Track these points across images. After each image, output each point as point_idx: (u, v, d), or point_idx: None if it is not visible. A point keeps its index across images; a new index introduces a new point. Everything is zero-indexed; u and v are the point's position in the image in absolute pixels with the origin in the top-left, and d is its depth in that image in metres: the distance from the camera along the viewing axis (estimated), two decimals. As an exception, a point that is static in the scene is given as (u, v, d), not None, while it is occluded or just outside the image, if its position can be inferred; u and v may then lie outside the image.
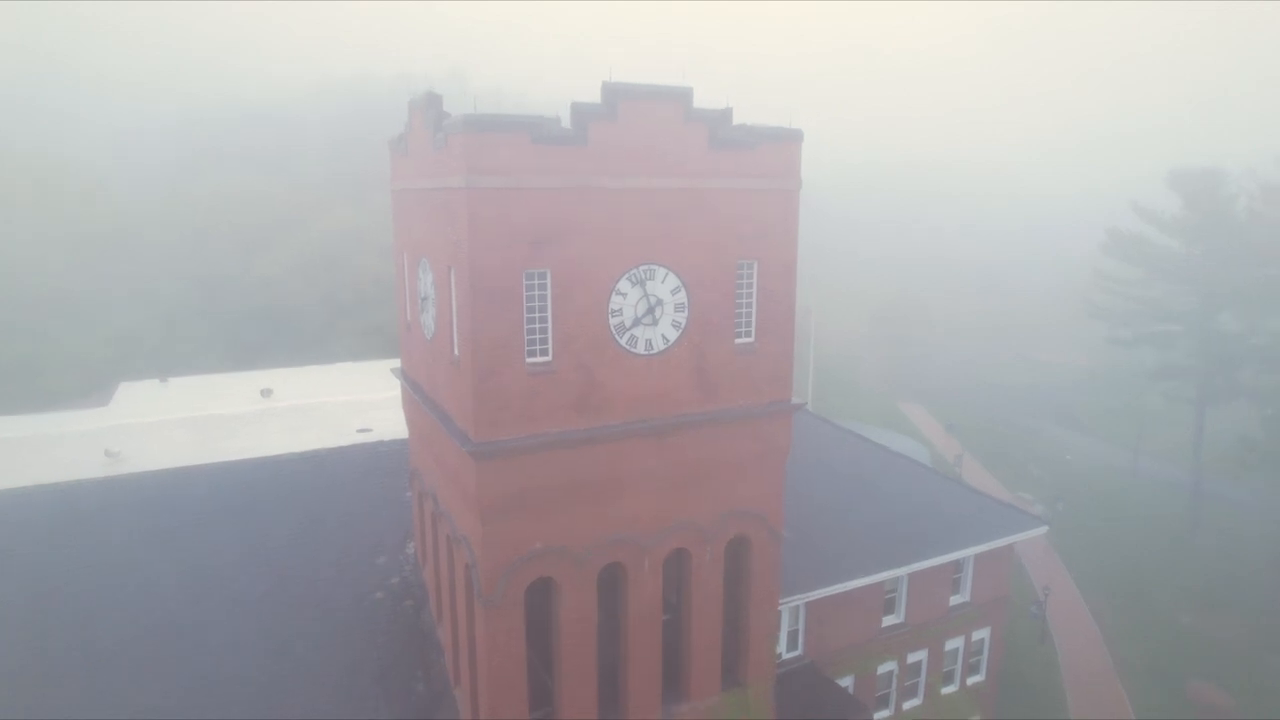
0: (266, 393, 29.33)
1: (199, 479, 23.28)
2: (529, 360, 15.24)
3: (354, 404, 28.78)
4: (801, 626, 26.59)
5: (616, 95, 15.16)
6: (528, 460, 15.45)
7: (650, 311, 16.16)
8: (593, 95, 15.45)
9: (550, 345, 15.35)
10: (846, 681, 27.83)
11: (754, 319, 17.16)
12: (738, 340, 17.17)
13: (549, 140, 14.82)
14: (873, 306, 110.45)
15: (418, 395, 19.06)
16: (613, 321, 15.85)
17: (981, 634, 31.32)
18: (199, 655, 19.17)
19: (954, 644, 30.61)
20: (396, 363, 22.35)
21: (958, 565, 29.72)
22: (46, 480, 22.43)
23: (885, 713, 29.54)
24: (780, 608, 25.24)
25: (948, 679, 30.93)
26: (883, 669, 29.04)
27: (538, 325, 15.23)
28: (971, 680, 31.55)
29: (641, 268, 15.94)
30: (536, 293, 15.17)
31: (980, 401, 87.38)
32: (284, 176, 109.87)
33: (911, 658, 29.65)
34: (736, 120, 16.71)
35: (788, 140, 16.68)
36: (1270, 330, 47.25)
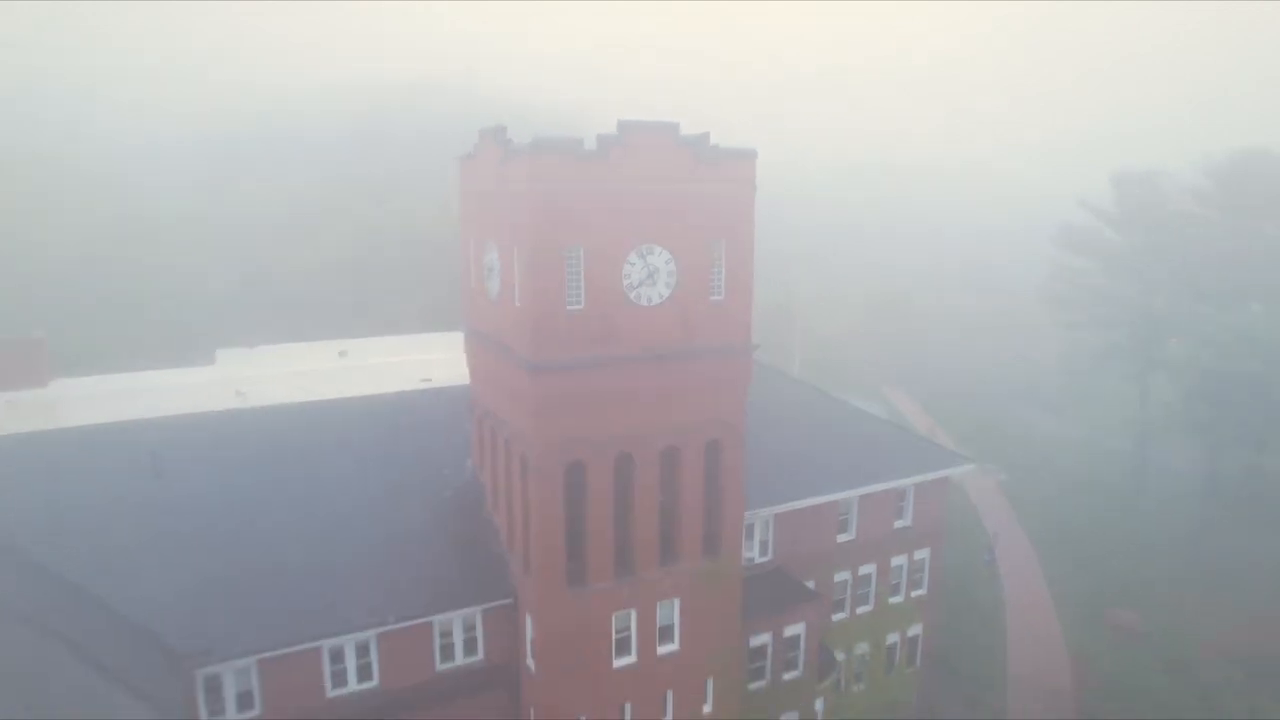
0: (343, 354, 36.78)
1: (307, 413, 30.83)
2: (569, 307, 22.73)
3: (414, 362, 36.23)
4: (771, 536, 33.97)
5: (626, 128, 22.68)
6: (566, 375, 22.96)
7: (650, 276, 23.65)
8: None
9: (583, 297, 22.84)
10: (809, 585, 35.22)
11: (723, 282, 24.65)
12: (712, 298, 24.66)
13: (582, 158, 22.32)
14: (873, 306, 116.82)
15: (482, 339, 26.61)
16: (625, 282, 23.33)
17: (922, 554, 38.68)
18: (323, 533, 26.72)
19: (899, 561, 38.00)
20: (439, 336, 29.74)
21: (901, 493, 37.13)
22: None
23: (842, 615, 36.85)
24: (753, 519, 32.74)
25: (894, 590, 38.27)
26: (839, 577, 36.40)
27: (574, 283, 22.72)
28: (915, 593, 38.87)
29: (644, 246, 23.43)
30: (573, 261, 22.66)
31: (967, 391, 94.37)
32: (303, 177, 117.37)
33: (863, 570, 37.01)
34: (716, 138, 24.23)
35: (746, 157, 24.18)
36: (1191, 313, 54.53)
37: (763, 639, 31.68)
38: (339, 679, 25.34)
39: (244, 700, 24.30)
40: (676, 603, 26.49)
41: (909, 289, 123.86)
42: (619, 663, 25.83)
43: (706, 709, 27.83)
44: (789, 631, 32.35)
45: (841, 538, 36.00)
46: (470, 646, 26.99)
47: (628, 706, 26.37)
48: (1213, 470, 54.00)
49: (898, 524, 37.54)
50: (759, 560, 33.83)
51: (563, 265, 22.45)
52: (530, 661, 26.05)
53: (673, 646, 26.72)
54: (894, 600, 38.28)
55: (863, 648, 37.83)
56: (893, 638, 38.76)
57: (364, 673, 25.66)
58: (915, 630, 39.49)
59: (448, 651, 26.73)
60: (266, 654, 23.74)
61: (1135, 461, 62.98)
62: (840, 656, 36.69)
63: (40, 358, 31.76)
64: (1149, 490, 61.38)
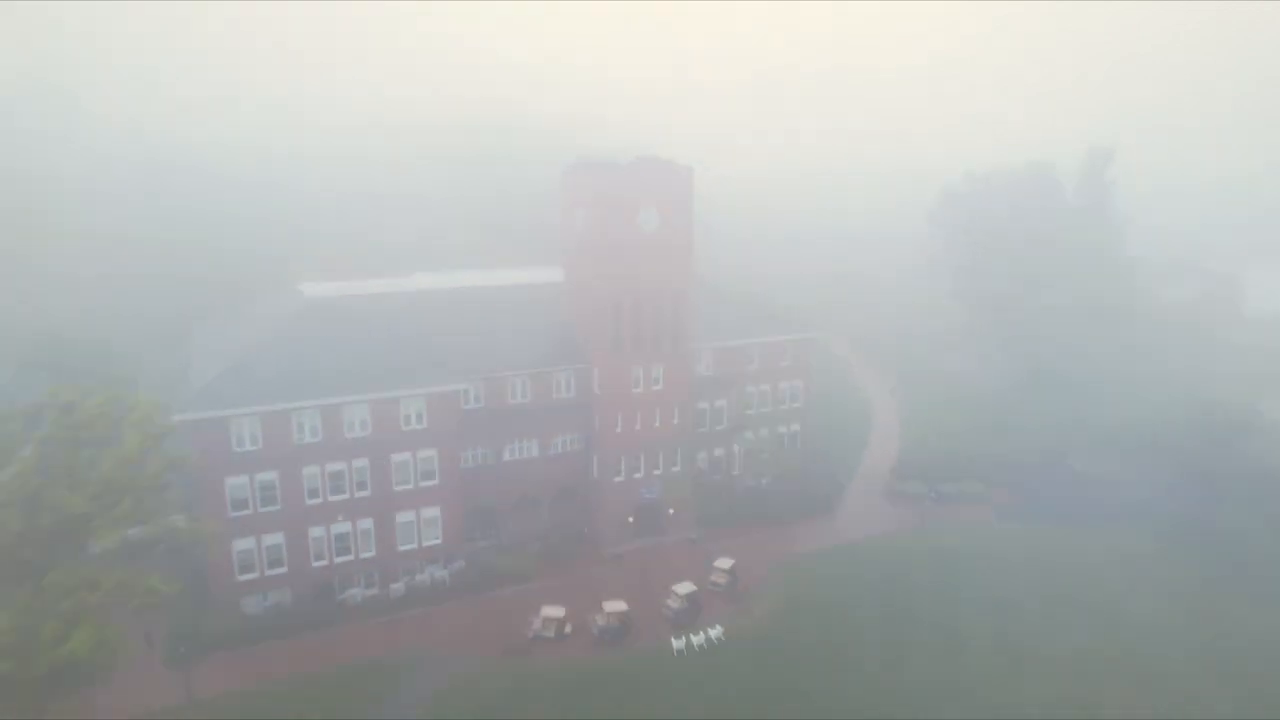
0: (485, 271, 72.23)
1: (482, 290, 66.50)
2: (613, 232, 58.41)
3: (521, 275, 71.94)
4: (713, 361, 69.35)
5: (639, 160, 58.50)
6: (614, 261, 58.59)
7: (647, 219, 59.32)
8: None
9: (619, 228, 58.52)
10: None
11: (677, 222, 60.33)
12: (673, 228, 60.34)
13: (619, 171, 58.10)
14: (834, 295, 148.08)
15: (574, 254, 62.49)
16: (636, 221, 59.04)
17: (798, 382, 74.12)
18: (503, 336, 62.48)
19: (783, 385, 73.43)
20: (533, 268, 65.76)
21: (783, 345, 72.48)
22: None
23: (751, 411, 72.10)
24: (701, 350, 68.19)
25: (781, 401, 73.65)
26: (749, 390, 71.76)
27: (615, 224, 58.39)
28: (794, 405, 74.23)
29: (644, 207, 59.13)
30: (616, 214, 58.32)
31: (895, 340, 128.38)
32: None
33: (763, 387, 72.36)
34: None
35: (686, 170, 59.83)
36: (992, 268, 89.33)
37: (703, 405, 67.40)
38: (513, 395, 61.14)
39: (475, 398, 60.04)
40: (662, 367, 62.04)
41: (882, 280, 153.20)
42: (634, 391, 61.42)
43: (675, 421, 63.32)
44: (718, 404, 68.05)
45: (750, 367, 71.51)
46: (568, 388, 62.73)
47: (638, 414, 61.86)
48: (1015, 368, 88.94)
49: (782, 363, 73.05)
50: (705, 374, 69.32)
51: (611, 214, 58.11)
52: (597, 390, 61.67)
53: (659, 387, 62.27)
54: (781, 407, 73.79)
55: (764, 432, 73.28)
56: (782, 429, 74.19)
57: (523, 394, 61.44)
58: (796, 428, 74.87)
59: (557, 389, 62.50)
60: (487, 375, 59.59)
61: (982, 370, 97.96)
62: (749, 435, 72.23)
63: (345, 263, 67.24)
64: (986, 384, 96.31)
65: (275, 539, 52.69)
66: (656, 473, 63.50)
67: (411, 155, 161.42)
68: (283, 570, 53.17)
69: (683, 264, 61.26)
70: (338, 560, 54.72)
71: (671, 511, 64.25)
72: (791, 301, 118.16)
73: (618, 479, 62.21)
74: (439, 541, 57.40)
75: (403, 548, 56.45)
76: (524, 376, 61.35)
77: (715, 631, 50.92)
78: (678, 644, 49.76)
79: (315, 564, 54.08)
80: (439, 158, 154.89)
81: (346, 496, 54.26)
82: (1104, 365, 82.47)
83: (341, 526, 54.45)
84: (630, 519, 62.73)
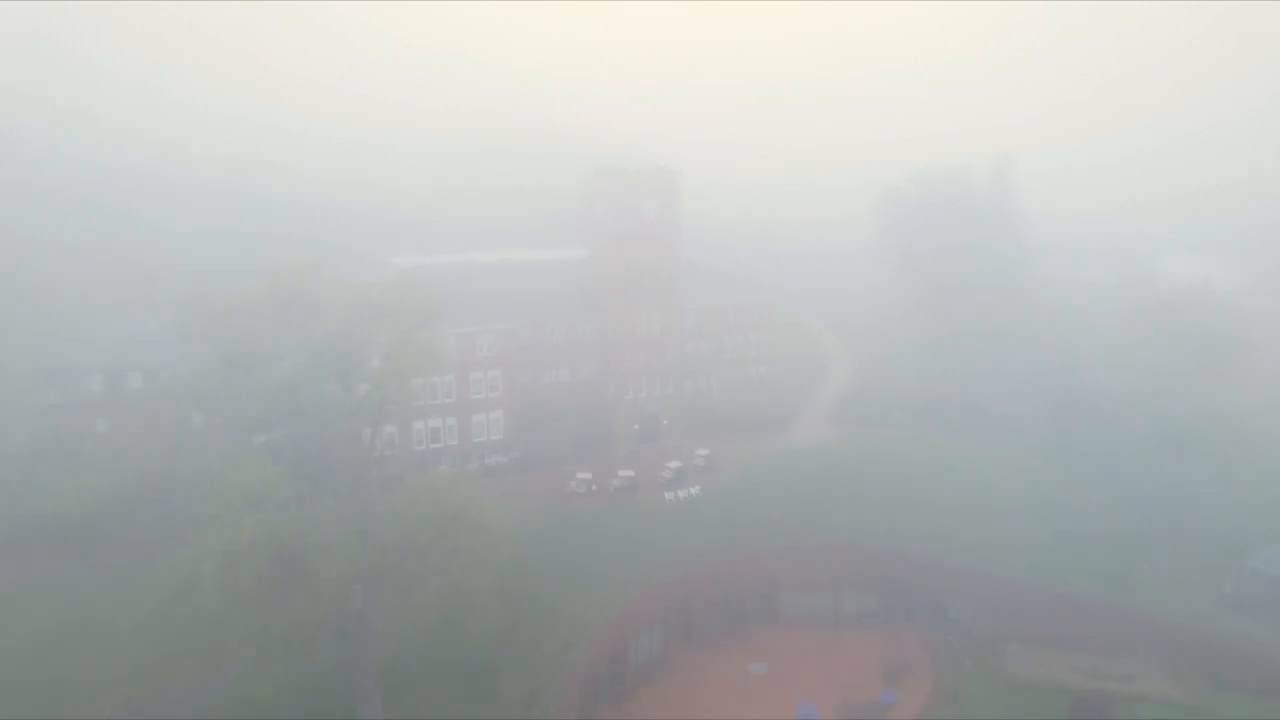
0: (523, 249, 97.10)
1: (516, 263, 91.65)
2: (622, 219, 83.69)
3: (555, 252, 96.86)
4: (696, 315, 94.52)
5: (642, 166, 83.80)
6: (622, 238, 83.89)
7: (648, 210, 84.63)
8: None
9: (627, 215, 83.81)
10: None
11: (670, 211, 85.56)
12: (666, 215, 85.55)
13: (625, 175, 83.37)
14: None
15: (593, 232, 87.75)
16: (640, 212, 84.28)
17: (763, 335, 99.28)
18: (521, 285, 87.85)
19: (751, 336, 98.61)
20: (556, 249, 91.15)
21: (749, 304, 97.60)
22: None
23: (726, 355, 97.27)
24: (688, 308, 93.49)
25: (751, 348, 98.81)
26: (725, 338, 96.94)
27: (623, 214, 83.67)
28: (759, 351, 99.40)
29: (646, 201, 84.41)
30: (624, 207, 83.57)
31: (861, 317, 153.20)
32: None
33: (736, 337, 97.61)
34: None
35: (675, 174, 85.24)
36: (926, 250, 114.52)
37: (690, 348, 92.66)
38: (551, 335, 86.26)
39: (525, 336, 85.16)
40: (658, 319, 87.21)
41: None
42: (637, 335, 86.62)
43: (667, 359, 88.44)
44: (701, 347, 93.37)
45: (726, 321, 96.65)
46: (589, 331, 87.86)
47: (640, 352, 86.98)
48: (942, 334, 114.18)
49: (751, 319, 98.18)
50: (691, 325, 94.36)
51: (620, 207, 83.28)
52: (610, 334, 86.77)
53: (655, 332, 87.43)
54: (750, 352, 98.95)
55: (736, 371, 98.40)
56: (750, 370, 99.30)
57: (558, 335, 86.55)
58: (762, 369, 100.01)
59: (582, 332, 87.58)
60: (533, 320, 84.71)
61: (919, 335, 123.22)
62: (725, 373, 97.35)
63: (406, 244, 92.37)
64: (920, 345, 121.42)
65: (390, 429, 77.68)
66: (655, 394, 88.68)
67: (420, 154, 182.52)
68: (395, 451, 78.20)
69: (673, 243, 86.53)
70: (431, 446, 79.88)
71: (665, 422, 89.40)
72: (769, 279, 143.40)
73: (626, 398, 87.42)
74: (501, 437, 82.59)
75: (476, 440, 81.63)
76: (558, 322, 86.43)
77: (694, 490, 76.10)
78: (669, 496, 74.95)
79: (416, 448, 79.24)
80: (448, 158, 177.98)
81: (439, 401, 79.44)
82: (1011, 332, 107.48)
83: (435, 422, 79.65)
84: (635, 426, 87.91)
